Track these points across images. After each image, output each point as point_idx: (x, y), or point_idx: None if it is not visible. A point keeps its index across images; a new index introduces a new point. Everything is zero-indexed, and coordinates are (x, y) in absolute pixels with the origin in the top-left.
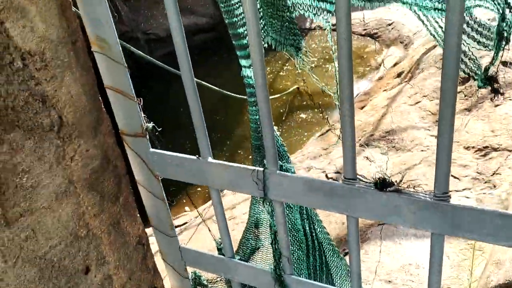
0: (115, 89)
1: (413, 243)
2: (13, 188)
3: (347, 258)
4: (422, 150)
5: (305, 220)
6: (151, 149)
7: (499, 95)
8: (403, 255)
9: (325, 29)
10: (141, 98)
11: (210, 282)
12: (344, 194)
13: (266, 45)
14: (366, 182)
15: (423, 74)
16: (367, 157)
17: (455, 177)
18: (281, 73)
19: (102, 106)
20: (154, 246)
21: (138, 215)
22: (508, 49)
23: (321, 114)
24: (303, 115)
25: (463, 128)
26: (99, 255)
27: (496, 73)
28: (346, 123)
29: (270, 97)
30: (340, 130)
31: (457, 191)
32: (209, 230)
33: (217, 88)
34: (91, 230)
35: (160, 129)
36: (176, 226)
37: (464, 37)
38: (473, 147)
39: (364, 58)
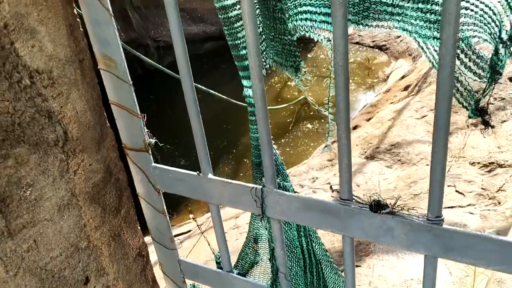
0: (119, 105)
1: (415, 258)
2: (17, 201)
3: None
4: (427, 164)
5: (303, 237)
6: (153, 164)
7: (489, 127)
8: (405, 269)
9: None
10: (145, 115)
11: None
12: (340, 214)
13: (267, 66)
14: (361, 203)
15: (430, 88)
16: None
17: (459, 193)
18: (289, 83)
19: (107, 121)
20: (154, 255)
21: (139, 227)
22: (500, 83)
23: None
24: (309, 125)
25: (464, 142)
26: (98, 266)
27: (487, 105)
28: (342, 146)
29: (278, 107)
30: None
31: (461, 206)
32: (208, 244)
33: (225, 97)
34: (92, 241)
35: (162, 144)
36: (181, 234)
37: (462, 67)
38: (478, 163)
39: (372, 70)
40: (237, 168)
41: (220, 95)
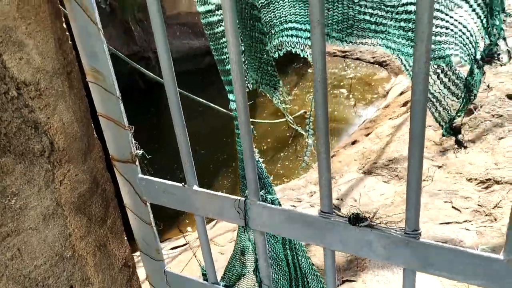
0: (107, 116)
1: None
2: (2, 209)
3: (344, 285)
4: (424, 180)
5: (288, 250)
6: (140, 175)
7: (463, 147)
8: (400, 285)
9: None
10: (133, 126)
11: None
12: (320, 227)
13: (249, 84)
14: (341, 216)
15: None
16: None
17: (456, 209)
18: (289, 97)
19: (94, 132)
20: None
21: (126, 238)
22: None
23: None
24: (309, 140)
25: (461, 159)
26: (83, 276)
27: (461, 125)
28: (321, 160)
29: (278, 121)
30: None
31: (457, 223)
32: (195, 256)
33: (224, 110)
34: (77, 251)
35: (150, 156)
36: (178, 246)
37: (441, 86)
38: (475, 179)
39: (372, 85)
40: (236, 181)
41: (220, 108)
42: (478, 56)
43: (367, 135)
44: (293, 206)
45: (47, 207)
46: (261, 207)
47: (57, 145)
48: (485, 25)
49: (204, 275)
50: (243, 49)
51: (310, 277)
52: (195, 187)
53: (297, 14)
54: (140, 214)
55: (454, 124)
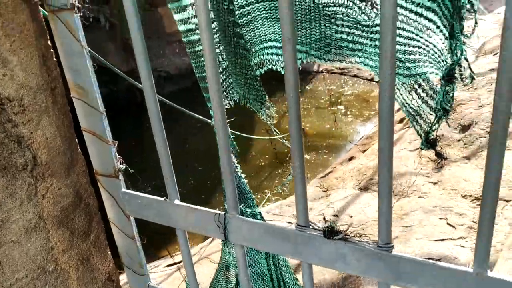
0: (90, 131)
1: None
2: None
3: None
4: (419, 197)
5: (272, 264)
6: (123, 189)
7: (443, 159)
8: None
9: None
10: (117, 141)
11: None
12: (297, 240)
13: (233, 100)
14: (316, 229)
15: None
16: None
17: (451, 225)
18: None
19: (78, 147)
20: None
21: (109, 252)
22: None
23: (325, 156)
24: (306, 156)
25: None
26: None
27: (437, 138)
28: (297, 174)
29: (275, 137)
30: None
31: (452, 239)
32: (179, 270)
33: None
34: (59, 264)
35: (133, 170)
36: (175, 263)
37: (419, 101)
38: (470, 196)
39: (369, 102)
40: None
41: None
42: (442, 75)
43: (363, 151)
44: (290, 222)
45: (30, 220)
46: (240, 221)
47: (40, 159)
48: (449, 46)
49: None
50: (226, 65)
51: None
52: (176, 201)
53: (276, 33)
54: (123, 228)
55: (431, 137)
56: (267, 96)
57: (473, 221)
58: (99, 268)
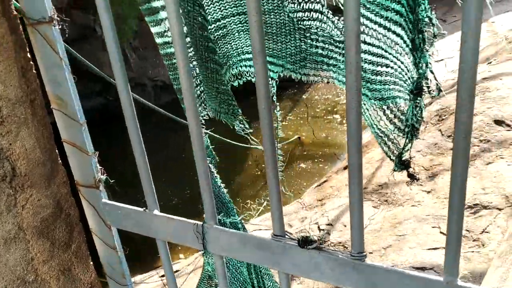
0: (70, 143)
1: None
2: None
3: None
4: (413, 205)
5: (253, 273)
6: (103, 200)
7: (414, 180)
8: None
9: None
10: (98, 152)
11: None
12: (273, 250)
13: (208, 114)
14: (292, 239)
15: None
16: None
17: (444, 234)
18: (284, 123)
19: (58, 158)
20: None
21: (91, 262)
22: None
23: (321, 165)
24: (303, 165)
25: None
26: None
27: (410, 159)
28: (271, 183)
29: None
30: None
31: (444, 248)
32: (161, 280)
33: (217, 136)
34: (40, 275)
35: (113, 181)
36: None
37: (388, 123)
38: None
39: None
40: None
41: (211, 133)
42: (413, 88)
43: None
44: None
45: (9, 231)
46: (218, 231)
47: (19, 170)
48: (414, 59)
49: None
50: (200, 79)
51: None
52: (156, 212)
53: None
54: (105, 239)
55: (403, 158)
56: (239, 110)
57: (466, 230)
58: (81, 279)
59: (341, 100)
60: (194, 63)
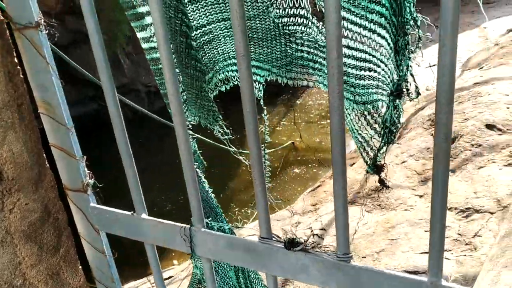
0: (58, 147)
1: None
2: None
3: None
4: (405, 210)
5: (241, 277)
6: (91, 204)
7: (385, 188)
8: None
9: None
10: (85, 156)
11: None
12: (260, 252)
13: (192, 121)
14: (278, 241)
15: (410, 134)
16: None
17: None
18: (277, 128)
19: (46, 162)
20: None
21: (80, 267)
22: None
23: (315, 170)
24: (296, 170)
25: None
26: None
27: (383, 165)
28: (257, 187)
29: (266, 151)
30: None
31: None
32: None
33: (211, 141)
34: (28, 279)
35: (101, 185)
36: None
37: (368, 128)
38: (455, 208)
39: None
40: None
41: (205, 139)
42: (393, 89)
43: (352, 165)
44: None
45: None
46: (205, 234)
47: (6, 174)
48: (395, 62)
49: None
50: (183, 89)
51: None
52: (144, 216)
53: None
54: (93, 243)
55: (378, 163)
56: (220, 116)
57: (458, 233)
58: (70, 283)
59: None
60: (177, 70)
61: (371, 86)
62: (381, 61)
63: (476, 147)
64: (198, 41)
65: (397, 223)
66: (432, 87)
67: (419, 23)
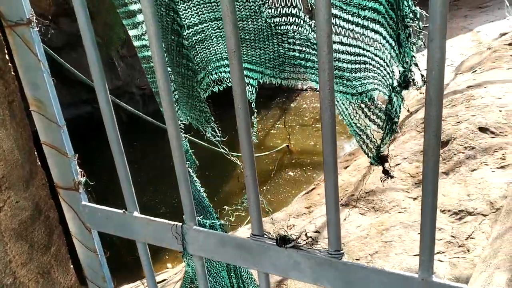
0: (49, 145)
1: None
2: None
3: None
4: (399, 212)
5: (233, 277)
6: (83, 202)
7: (389, 177)
8: None
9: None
10: (77, 154)
11: None
12: (252, 250)
13: (183, 121)
14: (270, 238)
15: (404, 137)
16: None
17: None
18: (272, 131)
19: (37, 160)
20: None
21: (72, 266)
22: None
23: (309, 173)
24: (291, 173)
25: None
26: None
27: (387, 154)
28: (248, 184)
29: (260, 154)
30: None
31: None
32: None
33: (206, 144)
34: (18, 278)
35: (93, 183)
36: (158, 282)
37: (366, 120)
38: (448, 211)
39: None
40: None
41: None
42: (395, 84)
43: (346, 167)
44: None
45: None
46: (197, 232)
47: None
48: (398, 54)
49: None
50: (174, 89)
51: None
52: (135, 213)
53: None
54: (84, 242)
55: (381, 154)
56: (212, 117)
57: (452, 236)
58: (61, 282)
59: None
60: (168, 68)
61: (367, 77)
62: (376, 55)
63: (469, 149)
64: (190, 40)
65: (391, 225)
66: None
67: (418, 15)
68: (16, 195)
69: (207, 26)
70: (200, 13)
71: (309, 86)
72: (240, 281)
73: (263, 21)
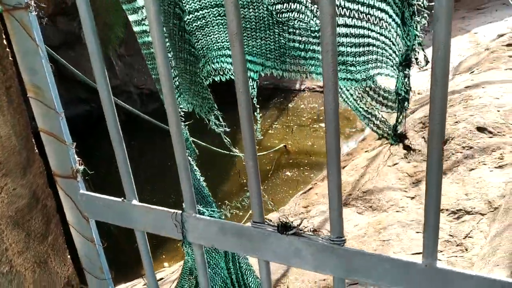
0: (47, 132)
1: None
2: None
3: None
4: (397, 211)
5: (232, 268)
6: (81, 191)
7: (411, 151)
8: None
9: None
10: (75, 142)
11: None
12: (253, 237)
13: (185, 108)
14: (271, 225)
15: None
16: None
17: None
18: (270, 131)
19: (35, 147)
20: None
21: (69, 256)
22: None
23: (306, 173)
24: (288, 173)
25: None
26: None
27: (405, 131)
28: (250, 173)
29: (258, 154)
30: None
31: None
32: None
33: (204, 144)
34: (14, 267)
35: (92, 172)
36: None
37: (373, 102)
38: (447, 210)
39: (350, 119)
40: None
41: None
42: (401, 59)
43: (343, 167)
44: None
45: None
46: (197, 220)
47: None
48: (402, 32)
49: None
50: (176, 75)
51: None
52: (134, 202)
53: None
54: (82, 231)
55: (398, 132)
56: (215, 105)
57: (450, 235)
58: (58, 272)
59: None
60: (169, 54)
61: (370, 61)
62: (381, 34)
63: (467, 149)
64: (191, 26)
65: (389, 224)
66: (423, 91)
67: None
68: (13, 182)
69: (208, 12)
70: None
71: (306, 87)
72: (240, 272)
73: (265, 9)
